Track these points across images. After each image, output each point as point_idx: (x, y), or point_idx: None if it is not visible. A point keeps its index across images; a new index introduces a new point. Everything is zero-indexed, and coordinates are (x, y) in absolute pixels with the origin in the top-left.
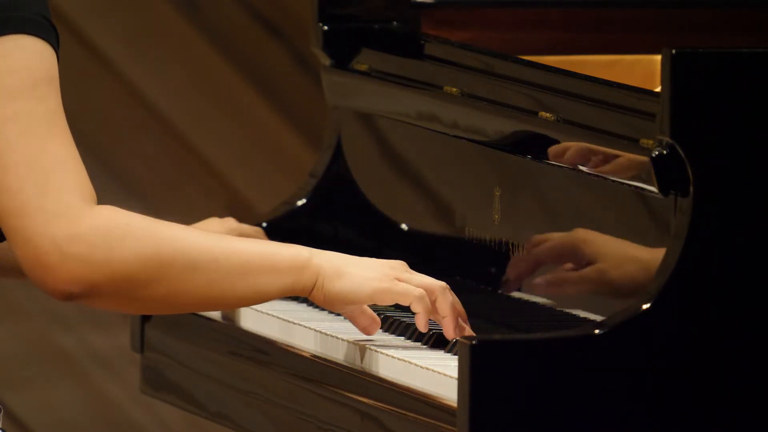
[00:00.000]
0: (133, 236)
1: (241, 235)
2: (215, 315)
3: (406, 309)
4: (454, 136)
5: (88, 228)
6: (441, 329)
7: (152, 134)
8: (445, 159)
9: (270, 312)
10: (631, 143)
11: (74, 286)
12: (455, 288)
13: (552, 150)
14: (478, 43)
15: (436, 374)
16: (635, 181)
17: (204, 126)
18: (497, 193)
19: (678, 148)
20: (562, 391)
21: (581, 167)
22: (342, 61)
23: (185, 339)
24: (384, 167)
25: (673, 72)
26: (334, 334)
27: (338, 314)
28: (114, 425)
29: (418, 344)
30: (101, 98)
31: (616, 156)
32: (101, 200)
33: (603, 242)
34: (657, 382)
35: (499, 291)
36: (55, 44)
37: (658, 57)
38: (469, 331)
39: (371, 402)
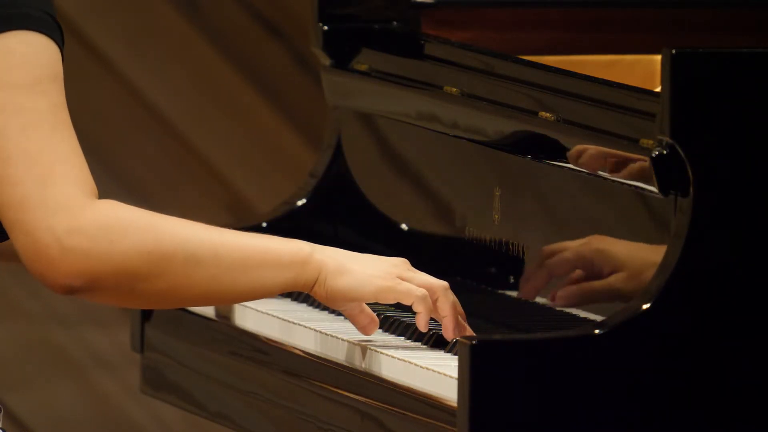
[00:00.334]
0: (134, 230)
1: None
2: (215, 315)
3: (406, 309)
4: (454, 136)
5: (89, 221)
6: (441, 329)
7: (152, 134)
8: (445, 159)
9: (270, 312)
10: (631, 143)
11: (75, 279)
12: (455, 288)
13: (559, 152)
14: (478, 43)
15: (436, 374)
16: (635, 181)
17: (204, 126)
18: (497, 193)
19: (678, 148)
20: (562, 391)
21: (581, 167)
22: (342, 61)
23: (185, 339)
24: (384, 167)
25: (673, 72)
26: (334, 334)
27: (338, 314)
28: (114, 425)
29: (418, 344)
30: (101, 98)
31: (616, 156)
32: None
33: (620, 250)
34: (657, 382)
35: (500, 291)
36: (60, 42)
37: (658, 57)
38: (469, 331)
39: (371, 402)
